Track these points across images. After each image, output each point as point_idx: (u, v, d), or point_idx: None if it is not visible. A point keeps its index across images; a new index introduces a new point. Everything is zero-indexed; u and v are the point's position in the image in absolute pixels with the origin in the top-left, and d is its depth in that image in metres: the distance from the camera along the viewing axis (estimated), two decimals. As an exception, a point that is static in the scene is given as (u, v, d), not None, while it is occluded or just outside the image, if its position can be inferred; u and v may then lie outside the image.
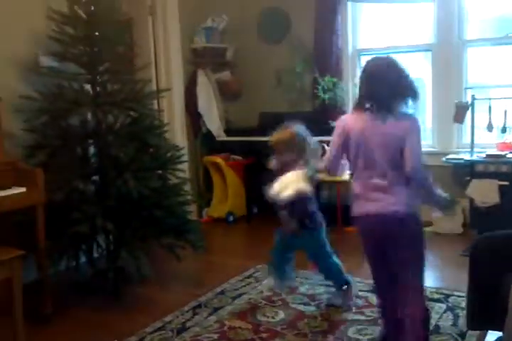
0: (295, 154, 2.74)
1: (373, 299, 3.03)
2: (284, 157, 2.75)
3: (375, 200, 2.16)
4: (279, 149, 2.77)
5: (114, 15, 3.39)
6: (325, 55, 4.81)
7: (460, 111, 4.16)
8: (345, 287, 2.98)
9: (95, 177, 3.31)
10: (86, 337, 2.77)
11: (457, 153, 4.35)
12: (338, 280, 3.00)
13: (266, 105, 5.11)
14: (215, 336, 2.68)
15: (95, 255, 3.45)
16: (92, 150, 3.41)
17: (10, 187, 2.82)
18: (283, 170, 2.75)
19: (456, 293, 3.05)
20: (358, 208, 2.24)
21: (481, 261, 2.21)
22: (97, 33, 3.29)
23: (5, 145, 3.10)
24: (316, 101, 4.79)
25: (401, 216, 2.13)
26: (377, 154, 2.13)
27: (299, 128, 2.80)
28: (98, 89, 3.36)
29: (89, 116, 3.30)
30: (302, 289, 3.25)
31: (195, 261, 3.78)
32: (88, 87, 3.36)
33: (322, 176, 2.74)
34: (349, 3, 4.84)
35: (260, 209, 4.86)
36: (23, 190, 2.83)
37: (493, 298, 2.10)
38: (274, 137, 2.79)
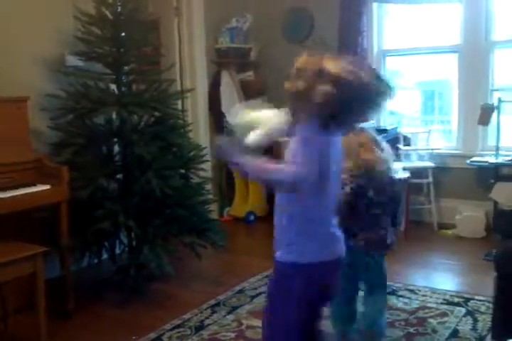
0: None
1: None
2: None
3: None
4: None
5: (140, 16, 3.42)
6: (349, 56, 4.78)
7: (485, 113, 4.11)
8: None
9: (119, 176, 3.37)
10: (106, 332, 2.82)
11: (482, 155, 4.29)
12: None
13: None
14: (233, 335, 2.71)
15: (117, 252, 3.50)
16: (116, 149, 3.46)
17: (35, 185, 2.88)
18: None
19: (476, 297, 3.01)
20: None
21: (509, 268, 2.17)
22: (123, 34, 3.34)
23: (32, 142, 3.16)
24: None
25: None
26: None
27: None
28: (123, 89, 3.41)
29: (114, 115, 3.35)
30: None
31: (216, 259, 3.82)
32: (113, 86, 3.42)
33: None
34: (375, 4, 4.82)
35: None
36: (47, 187, 2.89)
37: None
38: None
